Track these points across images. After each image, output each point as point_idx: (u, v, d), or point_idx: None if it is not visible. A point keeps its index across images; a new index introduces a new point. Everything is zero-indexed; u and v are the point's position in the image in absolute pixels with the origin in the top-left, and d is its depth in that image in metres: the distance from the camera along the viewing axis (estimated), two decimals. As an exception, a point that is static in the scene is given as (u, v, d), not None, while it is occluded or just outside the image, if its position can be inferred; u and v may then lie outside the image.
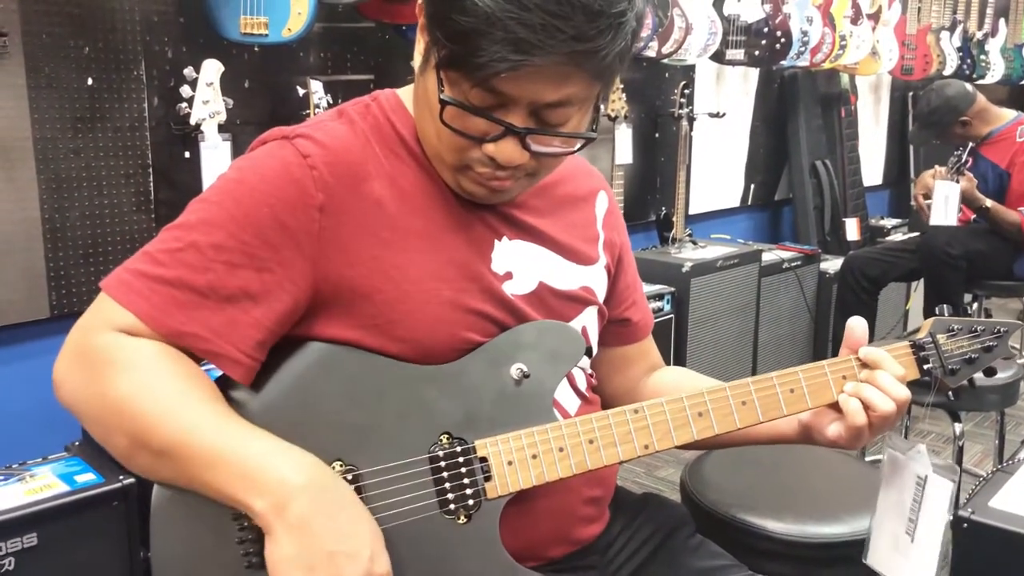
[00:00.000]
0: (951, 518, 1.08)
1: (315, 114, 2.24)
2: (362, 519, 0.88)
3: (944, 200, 3.27)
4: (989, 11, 5.32)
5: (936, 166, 3.38)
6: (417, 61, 0.97)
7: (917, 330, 1.16)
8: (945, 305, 1.17)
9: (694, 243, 3.55)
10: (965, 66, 5.05)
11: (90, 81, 2.13)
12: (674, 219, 3.52)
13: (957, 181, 3.27)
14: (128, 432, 0.89)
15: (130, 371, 0.89)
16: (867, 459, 2.89)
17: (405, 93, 1.05)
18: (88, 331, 0.93)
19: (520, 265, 1.06)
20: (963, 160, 3.27)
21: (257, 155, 0.98)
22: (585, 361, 1.13)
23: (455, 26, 0.86)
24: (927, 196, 3.43)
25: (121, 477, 1.68)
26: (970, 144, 3.38)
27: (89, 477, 1.70)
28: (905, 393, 1.03)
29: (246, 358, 0.93)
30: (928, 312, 3.64)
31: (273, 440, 0.89)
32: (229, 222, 0.93)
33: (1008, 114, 3.62)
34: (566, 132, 0.94)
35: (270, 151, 0.97)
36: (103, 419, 0.90)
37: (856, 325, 1.07)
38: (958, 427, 2.49)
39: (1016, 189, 3.46)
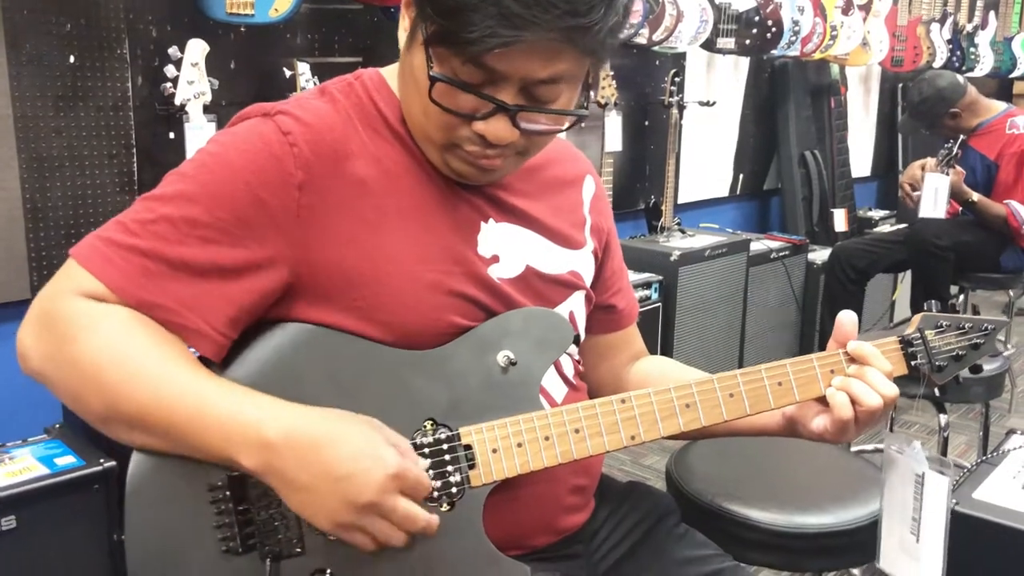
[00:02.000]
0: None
1: (302, 96, 2.22)
2: (347, 438, 0.86)
3: (934, 192, 3.28)
4: (979, 4, 5.33)
5: (928, 158, 3.38)
6: (402, 38, 0.95)
7: (905, 323, 1.15)
8: (934, 300, 1.17)
9: (682, 232, 3.55)
10: (955, 58, 5.06)
11: (72, 59, 2.10)
12: (663, 207, 3.51)
13: (947, 173, 3.27)
14: (103, 397, 0.87)
15: (101, 335, 0.87)
16: (853, 450, 2.90)
17: (389, 72, 1.04)
18: (55, 297, 0.90)
19: (507, 248, 1.04)
20: (954, 153, 3.28)
21: (237, 131, 0.96)
22: (572, 348, 1.12)
23: (445, 1, 0.84)
24: (914, 187, 3.43)
25: (102, 460, 1.66)
26: (961, 137, 3.39)
27: (69, 460, 1.69)
28: (893, 390, 1.03)
29: (216, 333, 0.91)
30: (915, 303, 3.65)
31: (248, 395, 0.88)
32: (205, 197, 0.91)
33: (998, 106, 3.63)
34: (557, 110, 0.93)
35: (250, 127, 0.95)
36: (75, 386, 0.88)
37: (846, 319, 1.07)
38: (943, 418, 2.50)
39: (1003, 181, 3.47)
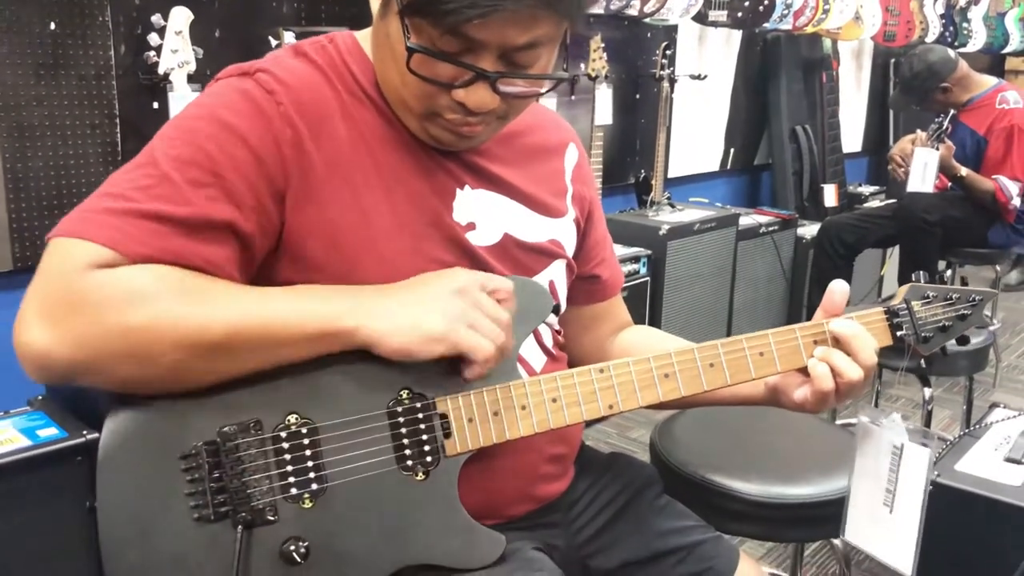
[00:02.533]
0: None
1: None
2: (421, 284, 0.92)
3: (923, 167, 3.27)
4: (973, -22, 5.30)
5: (918, 131, 3.38)
6: (375, 5, 0.94)
7: (892, 296, 1.15)
8: (921, 272, 1.16)
9: (672, 206, 3.54)
10: (947, 33, 5.04)
11: (53, 26, 2.07)
12: (653, 182, 3.50)
13: (937, 148, 3.27)
14: (178, 340, 0.82)
15: (147, 288, 0.82)
16: (837, 423, 2.92)
17: (363, 36, 1.02)
18: (64, 277, 0.82)
19: (483, 215, 1.03)
20: (944, 127, 3.27)
21: (219, 91, 0.93)
22: (552, 318, 1.11)
23: None
24: (903, 161, 3.43)
25: (84, 432, 1.65)
26: (951, 111, 3.38)
27: (52, 432, 1.67)
28: (873, 360, 1.03)
29: None
30: (903, 278, 3.66)
31: (317, 287, 0.91)
32: (203, 158, 0.88)
33: (988, 81, 3.62)
34: (537, 74, 0.92)
35: (232, 86, 0.93)
36: (138, 348, 0.81)
37: (837, 288, 1.06)
38: (927, 392, 2.51)
39: (992, 156, 3.47)
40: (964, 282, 1.23)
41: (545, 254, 1.09)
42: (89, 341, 0.81)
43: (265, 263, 0.94)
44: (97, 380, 0.85)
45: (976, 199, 3.43)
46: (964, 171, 3.38)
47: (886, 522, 1.11)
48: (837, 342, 1.03)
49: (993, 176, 3.41)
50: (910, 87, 3.61)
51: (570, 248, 1.14)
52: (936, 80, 3.53)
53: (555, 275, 1.11)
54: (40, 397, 1.83)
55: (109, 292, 0.81)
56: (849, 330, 1.03)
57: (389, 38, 0.91)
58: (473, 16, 0.83)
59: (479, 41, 0.87)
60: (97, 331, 0.81)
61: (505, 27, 0.86)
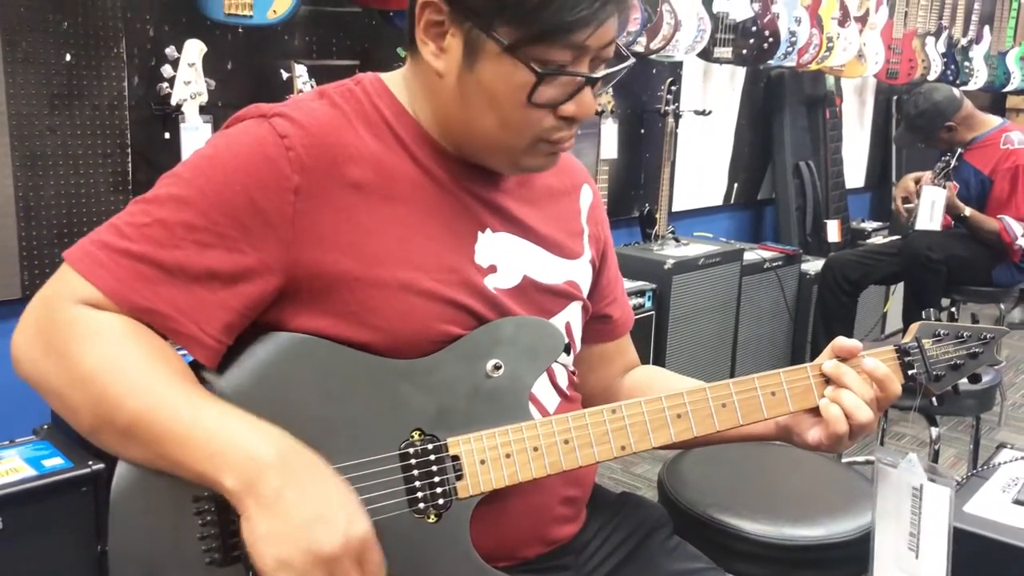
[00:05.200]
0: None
1: (298, 99, 2.21)
2: (333, 486, 0.85)
3: (931, 205, 3.29)
4: (974, 18, 5.35)
5: (925, 172, 3.39)
6: (443, 63, 0.94)
7: (901, 333, 1.14)
8: (932, 310, 1.16)
9: (676, 240, 3.55)
10: (949, 72, 5.08)
11: (68, 57, 2.09)
12: (657, 216, 3.51)
13: (943, 187, 3.28)
14: (94, 408, 0.86)
15: (96, 345, 0.87)
16: (844, 461, 2.90)
17: (390, 78, 1.03)
18: (50, 303, 0.90)
19: (505, 259, 1.04)
20: (951, 166, 3.29)
21: (233, 132, 0.95)
22: (566, 358, 1.11)
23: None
24: (907, 200, 3.45)
25: (90, 463, 1.65)
26: (959, 151, 3.40)
27: (57, 462, 1.67)
28: (869, 393, 1.02)
29: (211, 340, 0.90)
30: (907, 315, 3.66)
31: (241, 416, 0.87)
32: (200, 200, 0.90)
33: (993, 120, 3.64)
34: (622, 65, 0.97)
35: (246, 129, 0.94)
36: (68, 394, 0.87)
37: (843, 345, 1.05)
38: (935, 431, 2.50)
39: (997, 196, 3.48)
40: (975, 319, 1.23)
41: (562, 296, 1.09)
42: (43, 367, 0.88)
43: (274, 304, 0.94)
44: (47, 400, 0.90)
45: (981, 238, 3.44)
46: (968, 211, 3.40)
47: (912, 566, 1.09)
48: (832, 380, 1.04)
49: (998, 216, 3.42)
50: (915, 125, 3.63)
51: (586, 289, 1.14)
52: (941, 119, 3.55)
53: (571, 317, 1.11)
54: (46, 426, 1.83)
55: (71, 331, 0.87)
56: (838, 368, 1.03)
57: (482, 84, 0.92)
58: (592, 23, 0.89)
59: (588, 48, 0.91)
60: (49, 361, 0.88)
61: (609, 28, 0.91)
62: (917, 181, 3.45)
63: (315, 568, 0.81)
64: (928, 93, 3.60)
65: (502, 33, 0.89)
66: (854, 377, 1.02)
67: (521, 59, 0.90)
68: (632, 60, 0.99)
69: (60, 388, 0.88)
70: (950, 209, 3.37)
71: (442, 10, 0.92)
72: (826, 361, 1.05)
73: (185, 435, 0.84)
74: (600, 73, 0.94)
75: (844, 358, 1.05)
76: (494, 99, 0.93)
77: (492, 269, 1.02)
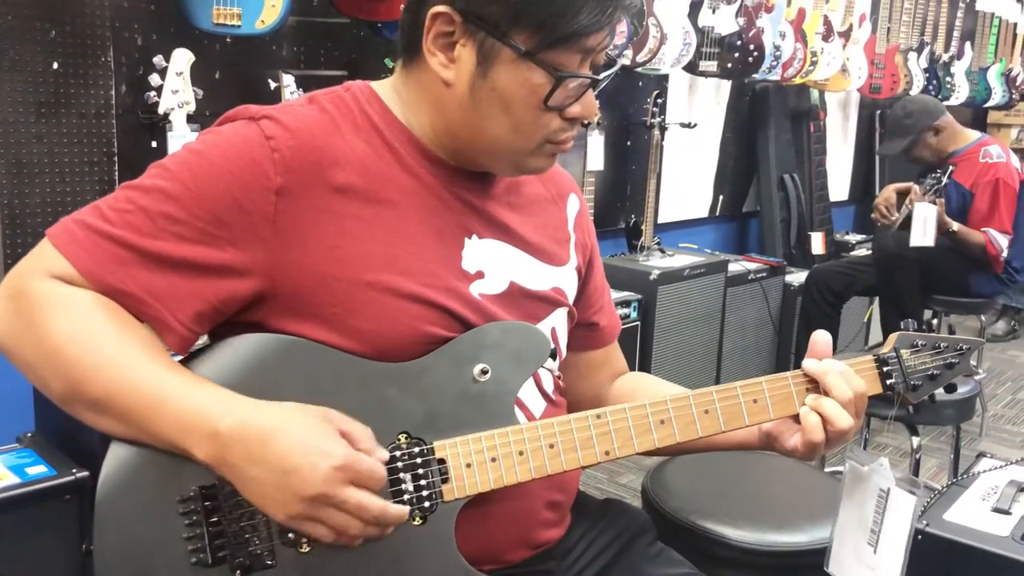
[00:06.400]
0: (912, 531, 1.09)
1: (286, 108, 2.22)
2: (294, 431, 0.86)
3: (923, 222, 3.30)
4: (956, 34, 5.43)
5: (913, 184, 3.41)
6: (452, 73, 0.96)
7: (880, 344, 1.16)
8: (910, 320, 1.18)
9: (662, 251, 3.57)
10: (931, 87, 5.14)
11: (56, 65, 2.09)
12: (643, 227, 3.53)
13: (934, 203, 3.31)
14: (65, 379, 0.88)
15: (67, 318, 0.88)
16: (827, 470, 2.92)
17: (380, 87, 1.04)
18: (25, 275, 0.92)
19: (492, 264, 1.05)
20: (942, 183, 3.32)
21: (221, 131, 0.96)
22: (552, 363, 1.12)
23: (547, 6, 0.91)
24: (887, 210, 3.47)
25: (74, 470, 1.64)
26: (950, 168, 3.42)
27: (41, 469, 1.67)
28: (848, 395, 1.03)
29: (181, 327, 0.92)
30: (885, 321, 3.68)
31: (206, 388, 0.89)
32: (184, 195, 0.92)
33: (972, 135, 3.69)
34: (619, 65, 1.03)
35: (235, 129, 0.96)
36: (39, 365, 0.89)
37: (819, 339, 1.08)
38: (916, 440, 2.53)
39: (979, 209, 3.51)
40: (952, 331, 1.25)
41: (548, 302, 1.11)
42: (14, 336, 0.90)
43: (257, 305, 0.95)
44: (20, 371, 0.91)
45: (967, 252, 3.45)
46: (956, 226, 3.41)
47: (870, 560, 1.12)
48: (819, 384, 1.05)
49: (983, 229, 3.45)
50: (902, 126, 3.62)
51: (571, 296, 1.15)
52: (929, 118, 3.56)
53: (557, 323, 1.12)
54: (29, 434, 1.83)
55: (43, 302, 0.89)
56: (822, 367, 1.04)
57: (497, 90, 0.95)
58: (604, 27, 0.94)
59: (592, 49, 0.95)
60: (21, 332, 0.90)
61: (610, 29, 0.96)
62: (900, 192, 3.48)
63: (316, 509, 0.85)
64: (913, 98, 3.66)
65: (518, 40, 0.92)
66: (835, 376, 1.03)
67: (538, 64, 0.93)
68: (621, 62, 1.03)
69: (31, 359, 0.90)
70: (939, 225, 3.38)
71: (454, 21, 0.94)
72: (808, 360, 1.06)
73: (154, 409, 0.87)
74: (602, 75, 0.98)
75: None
76: (508, 104, 0.95)
77: (479, 275, 1.03)
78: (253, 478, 0.85)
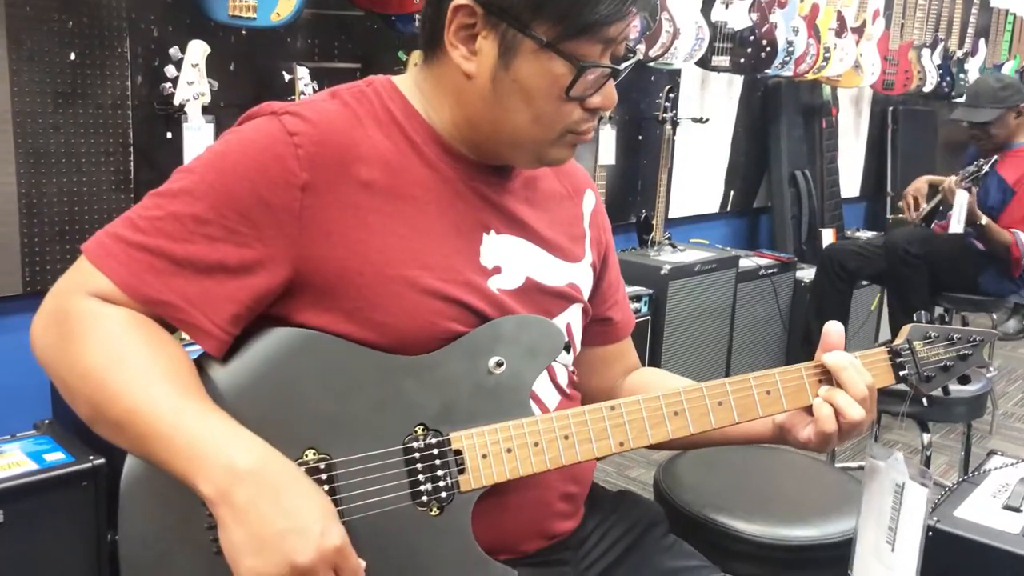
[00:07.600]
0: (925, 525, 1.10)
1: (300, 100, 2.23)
2: (310, 495, 0.86)
3: (960, 209, 3.24)
4: (970, 31, 5.40)
5: (953, 177, 3.34)
6: (474, 65, 0.97)
7: (892, 340, 1.17)
8: (923, 312, 1.18)
9: (673, 246, 3.57)
10: (944, 84, 5.12)
11: (73, 56, 2.11)
12: (654, 222, 3.54)
13: (970, 190, 3.25)
14: (90, 401, 0.89)
15: (100, 342, 0.89)
16: (837, 465, 2.92)
17: (401, 81, 1.05)
18: (65, 294, 0.93)
19: (509, 260, 1.05)
20: (983, 171, 3.25)
21: (244, 129, 0.97)
22: (567, 357, 1.13)
23: None
24: (915, 201, 3.43)
25: (91, 457, 1.66)
26: (994, 157, 3.33)
27: (58, 456, 1.69)
28: (863, 392, 1.03)
29: (219, 331, 0.92)
30: (893, 317, 3.66)
31: (223, 421, 0.88)
32: (211, 195, 0.92)
33: None
34: (637, 56, 1.04)
35: (257, 126, 0.96)
36: (69, 384, 0.91)
37: (832, 330, 1.08)
38: (927, 437, 2.53)
39: (1016, 209, 3.42)
40: (965, 323, 1.25)
41: (564, 298, 1.11)
42: (51, 355, 0.92)
43: (281, 298, 0.96)
44: (53, 381, 0.93)
45: (991, 248, 3.39)
46: (985, 219, 3.33)
47: (888, 559, 1.12)
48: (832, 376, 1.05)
49: (1012, 230, 3.37)
50: (997, 96, 3.50)
51: (586, 292, 1.16)
52: (1020, 97, 3.49)
53: (572, 319, 1.13)
54: (47, 421, 1.85)
55: (78, 322, 0.91)
56: (840, 361, 1.04)
57: (519, 81, 0.96)
58: (625, 17, 0.95)
59: (613, 39, 0.96)
60: (56, 350, 0.92)
61: (630, 20, 0.97)
62: (932, 184, 3.43)
63: None
64: (1001, 75, 3.51)
65: (540, 31, 0.93)
66: (852, 372, 1.03)
67: (559, 55, 0.94)
68: (639, 54, 1.04)
69: (64, 377, 0.91)
70: (968, 215, 3.31)
71: (475, 13, 0.95)
72: (827, 354, 1.06)
73: (168, 437, 0.86)
74: (622, 65, 0.99)
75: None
76: (530, 95, 0.96)
77: (496, 270, 1.04)
78: (252, 520, 0.83)
